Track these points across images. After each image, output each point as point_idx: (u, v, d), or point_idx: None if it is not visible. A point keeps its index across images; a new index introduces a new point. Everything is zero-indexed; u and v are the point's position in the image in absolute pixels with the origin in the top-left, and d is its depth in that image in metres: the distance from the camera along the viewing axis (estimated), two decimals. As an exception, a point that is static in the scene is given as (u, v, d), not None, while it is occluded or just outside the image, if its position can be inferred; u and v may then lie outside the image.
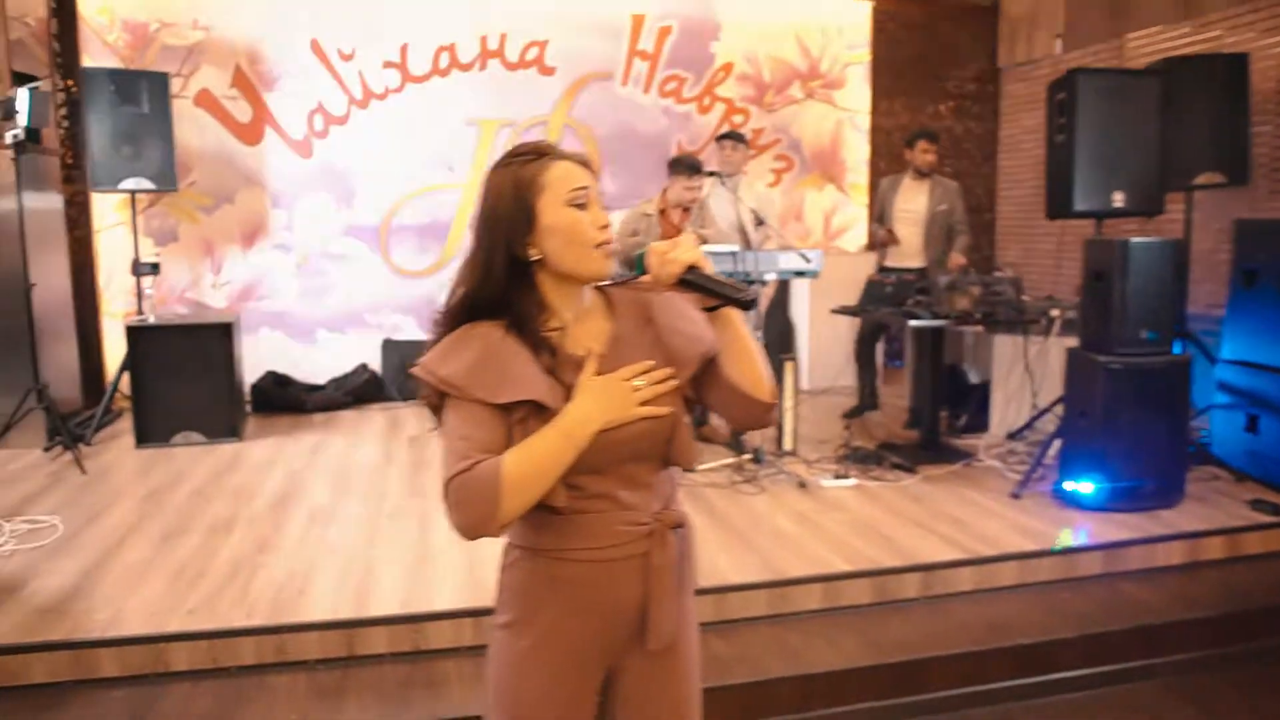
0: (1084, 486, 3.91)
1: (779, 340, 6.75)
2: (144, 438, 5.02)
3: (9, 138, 4.54)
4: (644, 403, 1.32)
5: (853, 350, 5.72)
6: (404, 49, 6.37)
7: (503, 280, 1.33)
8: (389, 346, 6.44)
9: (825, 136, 7.14)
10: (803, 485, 4.27)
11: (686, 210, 4.97)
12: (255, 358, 6.11)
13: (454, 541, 3.49)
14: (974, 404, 5.33)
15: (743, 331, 1.36)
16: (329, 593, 3.12)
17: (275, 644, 2.86)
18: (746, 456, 4.55)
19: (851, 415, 5.62)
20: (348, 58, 6.30)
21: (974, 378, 5.50)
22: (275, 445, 5.16)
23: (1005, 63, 7.34)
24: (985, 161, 7.55)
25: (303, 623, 2.90)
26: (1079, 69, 4.36)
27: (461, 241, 6.55)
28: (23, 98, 4.46)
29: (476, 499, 1.22)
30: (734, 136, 5.22)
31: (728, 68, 6.88)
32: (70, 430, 4.76)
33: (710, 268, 1.32)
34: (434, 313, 1.40)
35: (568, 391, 1.32)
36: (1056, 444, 4.21)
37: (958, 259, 5.46)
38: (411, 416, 5.89)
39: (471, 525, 1.25)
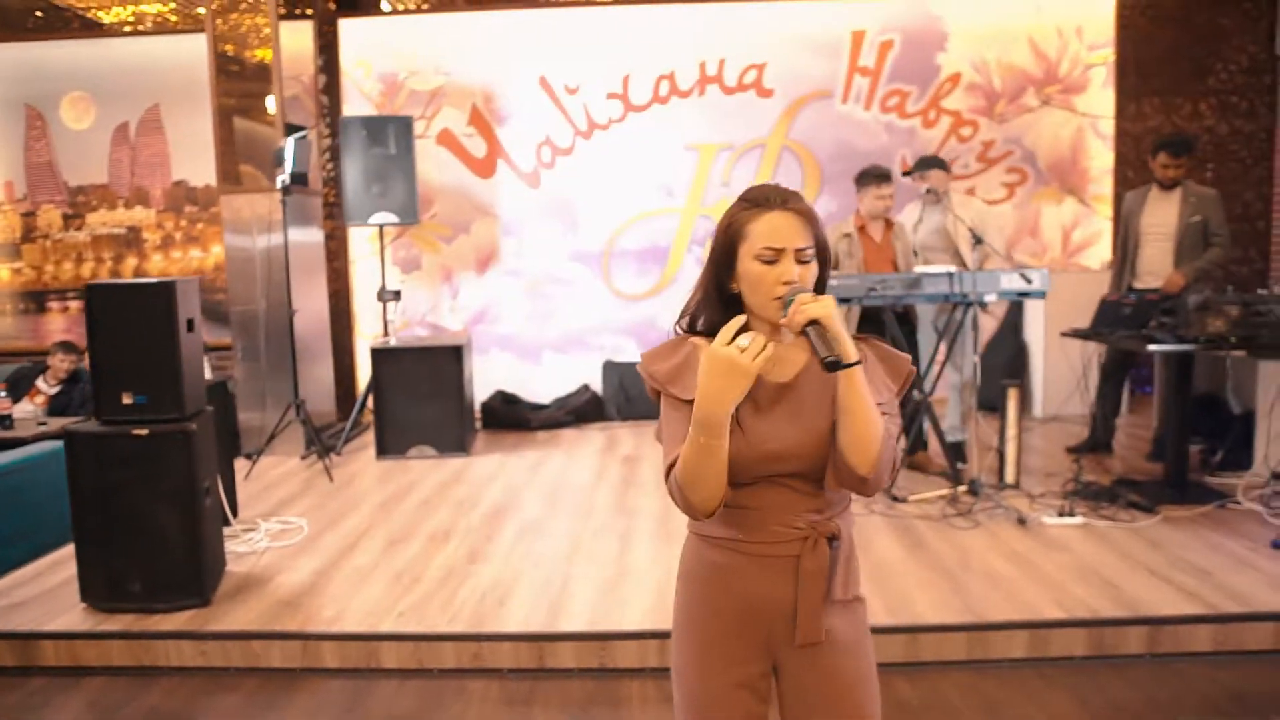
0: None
1: (1008, 364, 6.36)
2: (383, 450, 5.49)
3: (278, 181, 5.15)
4: (803, 419, 1.46)
5: (1096, 379, 5.18)
6: (626, 79, 6.61)
7: (716, 303, 1.54)
8: (609, 368, 6.66)
9: (1064, 145, 6.64)
10: (1022, 521, 3.98)
11: (889, 224, 4.78)
12: (485, 377, 6.53)
13: (653, 561, 3.60)
14: (1234, 438, 4.74)
15: (857, 395, 1.41)
16: (526, 604, 3.26)
17: (473, 650, 3.04)
18: (962, 488, 4.30)
19: (1077, 451, 5.10)
20: (573, 91, 6.62)
21: (1236, 408, 4.91)
22: (499, 461, 5.48)
23: (1284, 50, 6.50)
24: (1256, 164, 6.72)
25: (499, 632, 3.06)
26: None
27: (680, 265, 6.69)
28: (288, 147, 5.04)
29: (676, 492, 1.45)
30: (932, 164, 4.86)
31: (955, 78, 6.58)
32: (323, 441, 5.29)
33: (838, 328, 1.38)
34: (675, 320, 1.63)
35: (753, 403, 1.45)
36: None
37: (1175, 278, 4.86)
38: (628, 435, 6.06)
39: (684, 511, 1.47)
